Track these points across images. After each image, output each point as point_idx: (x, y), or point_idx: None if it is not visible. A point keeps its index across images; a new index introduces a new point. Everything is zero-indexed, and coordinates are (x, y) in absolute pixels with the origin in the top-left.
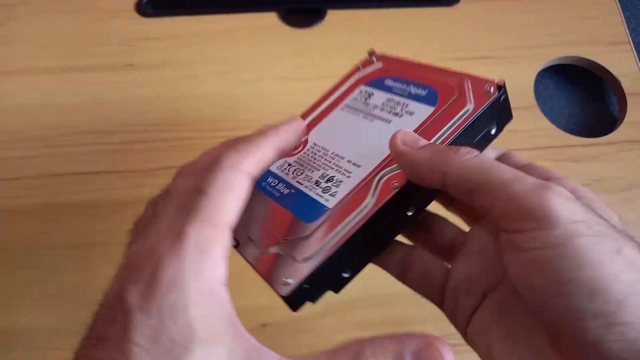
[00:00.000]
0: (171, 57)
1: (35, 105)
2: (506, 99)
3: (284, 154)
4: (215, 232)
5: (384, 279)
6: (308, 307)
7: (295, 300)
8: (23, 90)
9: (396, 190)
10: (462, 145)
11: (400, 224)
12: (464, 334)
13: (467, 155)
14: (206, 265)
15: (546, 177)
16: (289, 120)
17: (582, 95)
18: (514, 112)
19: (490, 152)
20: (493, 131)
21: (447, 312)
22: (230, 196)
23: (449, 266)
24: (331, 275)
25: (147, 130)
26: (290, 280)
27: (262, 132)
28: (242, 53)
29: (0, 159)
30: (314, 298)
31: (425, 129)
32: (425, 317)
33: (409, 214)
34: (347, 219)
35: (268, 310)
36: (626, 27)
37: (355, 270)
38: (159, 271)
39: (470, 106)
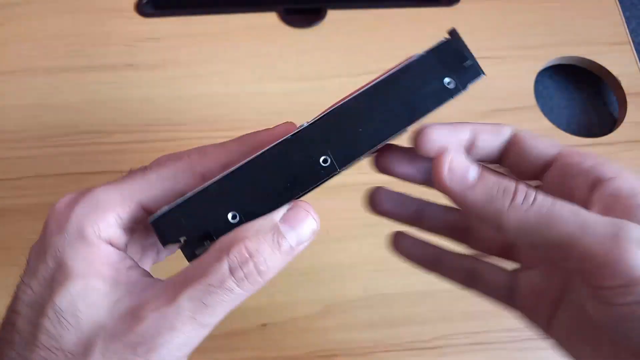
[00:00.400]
0: (171, 57)
1: (35, 105)
2: (460, 47)
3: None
4: (121, 201)
5: (384, 279)
6: (308, 307)
7: (163, 229)
8: (23, 90)
9: (299, 129)
10: (427, 100)
11: (309, 172)
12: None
13: (525, 203)
14: (89, 221)
15: (597, 177)
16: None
17: (582, 95)
18: (513, 112)
19: (550, 147)
20: (451, 85)
21: (525, 314)
22: (168, 186)
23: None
24: (211, 212)
25: (147, 130)
26: (163, 209)
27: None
28: (242, 53)
29: (0, 159)
30: (190, 235)
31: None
32: (425, 317)
33: (324, 163)
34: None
35: (268, 310)
36: (626, 27)
37: (246, 214)
38: (47, 222)
39: (418, 54)
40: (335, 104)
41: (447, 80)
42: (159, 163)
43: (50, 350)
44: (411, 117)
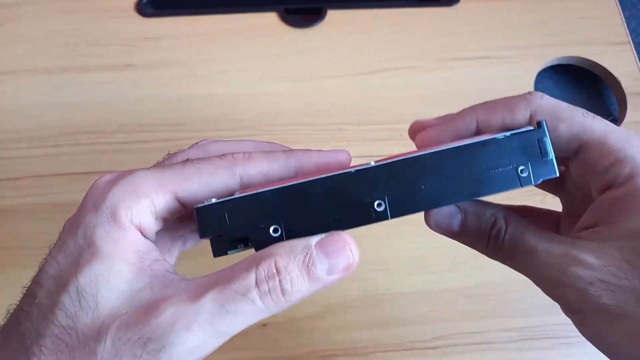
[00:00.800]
0: (171, 57)
1: (35, 105)
2: (545, 141)
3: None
4: (156, 188)
5: (384, 279)
6: (308, 307)
7: (206, 220)
8: (23, 90)
9: (364, 166)
10: (487, 170)
11: (361, 212)
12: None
13: (494, 247)
14: (123, 205)
15: (610, 181)
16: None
17: (582, 96)
18: None
19: (572, 139)
20: (524, 173)
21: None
22: (204, 182)
23: None
24: (256, 219)
25: (147, 130)
26: (211, 200)
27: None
28: (242, 53)
29: (0, 159)
30: (229, 233)
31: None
32: (425, 317)
33: (378, 207)
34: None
35: None
36: (626, 27)
37: (288, 232)
38: (85, 199)
39: (501, 133)
40: (406, 154)
41: (521, 168)
42: (200, 146)
43: (64, 329)
44: (476, 192)
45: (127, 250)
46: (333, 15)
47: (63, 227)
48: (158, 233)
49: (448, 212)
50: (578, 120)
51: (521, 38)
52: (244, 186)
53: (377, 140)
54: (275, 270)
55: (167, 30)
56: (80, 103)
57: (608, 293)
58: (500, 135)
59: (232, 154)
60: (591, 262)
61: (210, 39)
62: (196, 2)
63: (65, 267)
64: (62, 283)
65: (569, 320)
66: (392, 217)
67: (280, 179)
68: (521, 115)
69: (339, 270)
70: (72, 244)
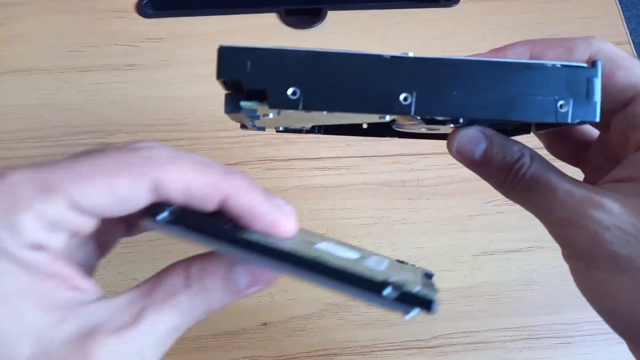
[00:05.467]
0: (172, 57)
1: (35, 105)
2: (595, 83)
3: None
4: (41, 194)
5: None
6: (308, 307)
7: (225, 61)
8: (23, 90)
9: (402, 55)
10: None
11: (383, 99)
12: None
13: (511, 184)
14: (3, 225)
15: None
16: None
17: None
18: None
19: (627, 87)
20: (562, 109)
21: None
22: (104, 183)
23: None
24: (276, 73)
25: (147, 130)
26: (236, 43)
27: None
28: None
29: (0, 159)
30: (248, 82)
31: None
32: (425, 316)
33: (403, 101)
34: None
35: (268, 310)
36: (626, 27)
37: (305, 99)
38: None
39: (551, 61)
40: (448, 56)
41: (561, 103)
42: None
43: None
44: (507, 113)
45: (27, 284)
46: (333, 16)
47: None
48: (73, 242)
49: (473, 138)
50: (637, 71)
51: (521, 38)
52: (157, 198)
53: (377, 141)
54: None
55: (167, 30)
56: (80, 103)
57: (622, 242)
58: (549, 63)
59: (149, 148)
60: (612, 208)
61: (210, 39)
62: (196, 2)
63: None
64: None
65: (569, 320)
66: (416, 114)
67: (199, 204)
68: (579, 55)
69: (260, 283)
70: None
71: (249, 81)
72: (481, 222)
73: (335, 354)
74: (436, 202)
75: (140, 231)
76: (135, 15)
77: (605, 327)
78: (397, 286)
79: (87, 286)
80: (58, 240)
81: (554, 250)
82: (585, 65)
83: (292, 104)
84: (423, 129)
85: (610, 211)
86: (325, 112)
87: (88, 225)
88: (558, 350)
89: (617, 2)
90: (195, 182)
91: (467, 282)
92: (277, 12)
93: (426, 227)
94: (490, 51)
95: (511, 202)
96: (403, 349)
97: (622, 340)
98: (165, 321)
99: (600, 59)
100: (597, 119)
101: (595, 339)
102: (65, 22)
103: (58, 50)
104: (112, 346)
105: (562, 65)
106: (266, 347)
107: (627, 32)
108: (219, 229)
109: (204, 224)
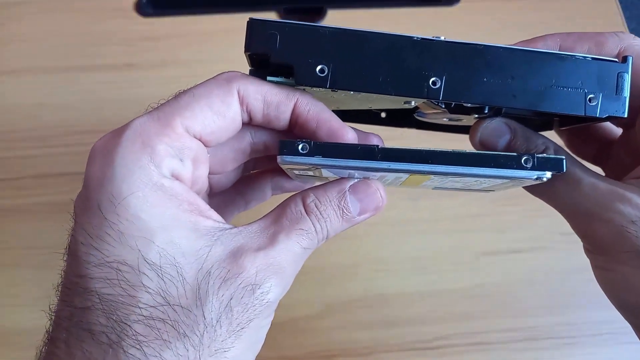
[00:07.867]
0: (171, 57)
1: (35, 105)
2: (625, 79)
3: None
4: (163, 128)
5: (384, 279)
6: (308, 307)
7: (254, 34)
8: (23, 90)
9: (434, 38)
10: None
11: (412, 81)
12: None
13: None
14: (144, 159)
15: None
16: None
17: None
18: None
19: None
20: (592, 102)
21: None
22: (204, 105)
23: None
24: (302, 49)
25: None
26: (268, 18)
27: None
28: (242, 53)
29: (0, 158)
30: (276, 57)
31: None
32: (425, 317)
33: (432, 85)
34: None
35: None
36: (626, 27)
37: (333, 77)
38: (88, 170)
39: (582, 54)
40: (480, 42)
41: (591, 96)
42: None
43: (155, 308)
44: (536, 103)
45: (175, 211)
46: (333, 15)
47: (74, 208)
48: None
49: (496, 129)
50: None
51: (521, 38)
52: (246, 111)
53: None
54: (314, 207)
55: (167, 30)
56: (80, 103)
57: None
58: (580, 55)
59: (228, 72)
60: (638, 202)
61: (210, 39)
62: (196, 2)
63: (117, 250)
64: (127, 266)
65: (569, 321)
66: (444, 98)
67: (276, 112)
68: (609, 49)
69: (370, 210)
70: (107, 224)
71: (278, 56)
72: (482, 223)
73: (335, 355)
74: (437, 202)
75: (259, 201)
76: (135, 14)
77: (606, 328)
78: (530, 155)
79: (218, 217)
80: (187, 170)
81: (556, 251)
82: (616, 60)
83: (320, 82)
84: (445, 120)
85: (636, 205)
86: (351, 93)
87: (203, 152)
88: (559, 351)
89: (617, 2)
90: (270, 91)
91: (468, 283)
92: (277, 10)
93: (427, 227)
94: (520, 42)
95: (513, 202)
96: (404, 350)
97: (622, 341)
98: (296, 242)
99: (631, 55)
100: (625, 115)
101: (596, 340)
102: (64, 22)
103: (57, 50)
104: (259, 261)
105: (593, 59)
106: (266, 348)
107: (627, 32)
108: (352, 149)
109: (334, 149)
